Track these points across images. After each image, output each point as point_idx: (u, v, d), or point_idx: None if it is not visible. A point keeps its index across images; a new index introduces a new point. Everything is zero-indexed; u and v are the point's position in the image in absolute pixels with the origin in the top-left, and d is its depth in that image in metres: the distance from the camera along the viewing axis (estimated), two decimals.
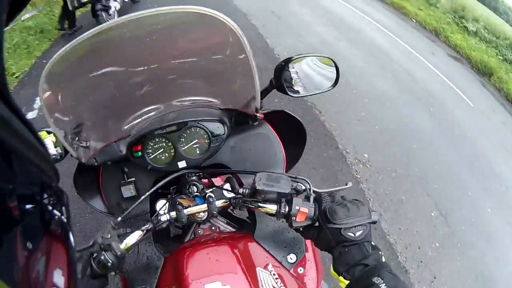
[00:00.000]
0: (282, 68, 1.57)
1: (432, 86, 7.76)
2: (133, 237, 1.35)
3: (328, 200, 1.23)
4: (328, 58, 1.69)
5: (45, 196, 0.42)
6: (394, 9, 13.26)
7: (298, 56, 1.62)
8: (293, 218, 1.24)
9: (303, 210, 1.22)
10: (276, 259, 1.51)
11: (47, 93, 1.38)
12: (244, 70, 1.41)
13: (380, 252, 1.11)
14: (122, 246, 1.29)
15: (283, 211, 1.28)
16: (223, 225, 1.78)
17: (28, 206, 0.38)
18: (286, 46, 7.58)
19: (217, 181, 1.92)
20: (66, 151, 1.61)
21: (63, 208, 0.46)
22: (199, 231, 1.73)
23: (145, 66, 1.56)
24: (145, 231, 1.39)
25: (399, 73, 7.77)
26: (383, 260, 1.08)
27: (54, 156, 1.65)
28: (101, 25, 1.27)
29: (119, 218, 1.42)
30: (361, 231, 1.13)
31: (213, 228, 1.74)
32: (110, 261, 1.24)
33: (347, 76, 6.97)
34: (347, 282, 1.09)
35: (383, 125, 5.70)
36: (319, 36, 8.79)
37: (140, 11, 1.28)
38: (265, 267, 1.42)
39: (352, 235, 1.13)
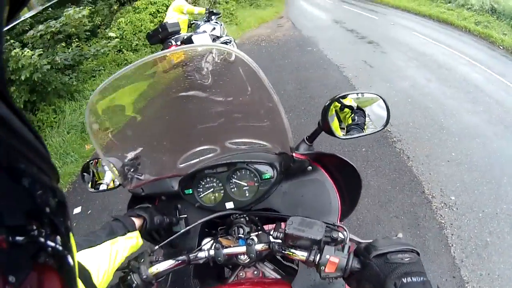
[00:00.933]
0: (328, 109, 1.56)
1: None
2: (163, 265, 1.37)
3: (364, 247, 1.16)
4: (376, 95, 1.65)
5: (45, 197, 0.40)
6: (482, 39, 12.67)
7: (343, 94, 1.61)
8: (322, 267, 1.17)
9: (333, 260, 1.15)
10: None
11: (94, 125, 1.49)
12: (273, 109, 1.40)
13: None
14: (151, 271, 1.33)
15: (311, 259, 1.21)
16: (268, 271, 1.70)
17: (28, 207, 0.36)
18: (379, 93, 7.43)
19: (269, 227, 1.81)
20: (120, 184, 1.69)
21: (64, 209, 0.45)
22: (241, 274, 1.69)
23: (191, 105, 1.64)
24: (177, 262, 1.41)
25: (490, 105, 7.33)
26: None
27: (109, 185, 1.79)
28: (140, 60, 1.36)
29: (156, 247, 1.48)
30: (409, 258, 1.04)
31: (255, 272, 1.68)
32: (135, 282, 1.29)
33: (438, 116, 6.79)
34: None
35: (472, 163, 5.40)
36: (410, 80, 8.64)
37: (172, 48, 1.48)
38: None
39: (400, 259, 1.03)
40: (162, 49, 7.70)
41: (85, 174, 1.86)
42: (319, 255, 1.20)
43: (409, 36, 13.10)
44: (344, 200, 1.68)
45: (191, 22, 9.40)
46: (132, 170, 1.63)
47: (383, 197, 4.71)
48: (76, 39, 9.21)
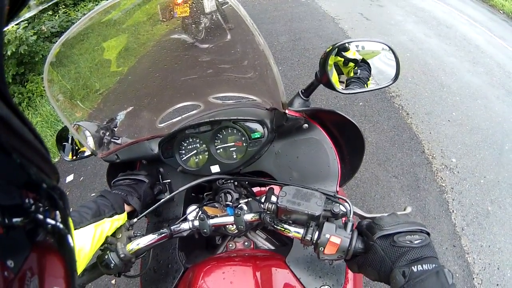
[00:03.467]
0: (326, 59, 1.33)
1: None
2: (143, 241, 1.23)
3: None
4: (383, 44, 1.43)
5: (45, 197, 0.39)
6: (482, 1, 12.37)
7: (345, 41, 1.39)
8: (321, 248, 1.01)
9: (333, 241, 0.99)
10: None
11: (56, 85, 1.39)
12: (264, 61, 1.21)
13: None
14: (129, 248, 1.20)
15: (309, 238, 1.05)
16: (261, 241, 1.59)
17: (28, 208, 0.36)
18: None
19: (261, 190, 1.71)
20: (91, 152, 1.56)
21: (63, 209, 0.44)
22: (231, 245, 1.59)
23: (173, 57, 1.45)
24: (159, 237, 1.26)
25: (491, 67, 7.04)
26: None
27: (87, 152, 1.63)
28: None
29: (135, 220, 1.33)
30: (420, 240, 0.91)
31: (246, 243, 1.58)
32: (113, 262, 1.16)
33: (438, 73, 6.47)
34: None
35: (474, 125, 5.15)
36: (409, 34, 8.21)
37: None
38: None
39: (408, 242, 0.90)
40: None
41: (65, 144, 1.71)
42: (317, 233, 1.04)
43: None
44: (344, 162, 1.53)
45: None
46: (108, 134, 1.49)
47: (381, 155, 4.43)
48: (63, 6, 8.91)
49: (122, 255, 1.17)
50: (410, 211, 1.12)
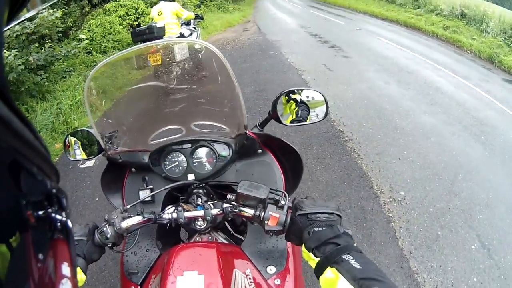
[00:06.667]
0: (277, 101, 1.82)
1: (484, 113, 7.43)
2: (133, 220, 1.60)
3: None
4: (318, 92, 1.86)
5: (46, 197, 0.43)
6: (450, 44, 13.29)
7: (290, 89, 1.84)
8: (266, 221, 1.42)
9: (274, 215, 1.41)
10: (255, 267, 1.67)
11: (91, 96, 1.74)
12: (233, 94, 1.68)
13: (352, 239, 1.23)
14: (123, 224, 1.56)
15: (257, 215, 1.47)
16: (220, 239, 1.94)
17: (29, 207, 0.37)
18: (335, 95, 7.93)
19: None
20: (98, 151, 1.98)
21: (64, 208, 0.48)
22: (198, 239, 1.89)
23: (165, 89, 1.94)
24: (145, 219, 1.62)
25: (449, 106, 7.53)
26: (355, 244, 1.19)
27: (89, 154, 2.04)
28: (132, 47, 1.73)
29: (128, 206, 1.70)
30: (327, 217, 1.28)
31: (210, 238, 1.90)
32: (110, 233, 1.53)
33: (393, 117, 6.99)
34: (317, 259, 1.20)
35: (425, 161, 5.53)
36: (368, 82, 8.90)
37: (158, 40, 1.88)
38: (243, 271, 1.56)
39: (318, 218, 1.28)
40: None
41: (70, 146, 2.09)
42: (263, 212, 1.46)
43: (373, 40, 13.56)
44: (287, 180, 1.97)
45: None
46: (109, 142, 1.89)
47: (330, 191, 4.78)
48: (49, 40, 9.40)
49: (118, 228, 1.54)
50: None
